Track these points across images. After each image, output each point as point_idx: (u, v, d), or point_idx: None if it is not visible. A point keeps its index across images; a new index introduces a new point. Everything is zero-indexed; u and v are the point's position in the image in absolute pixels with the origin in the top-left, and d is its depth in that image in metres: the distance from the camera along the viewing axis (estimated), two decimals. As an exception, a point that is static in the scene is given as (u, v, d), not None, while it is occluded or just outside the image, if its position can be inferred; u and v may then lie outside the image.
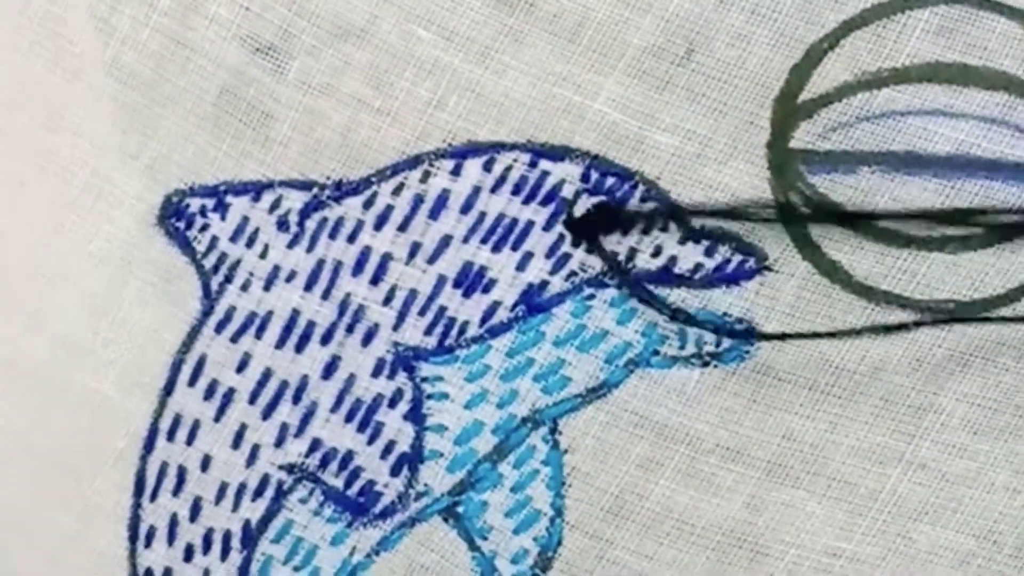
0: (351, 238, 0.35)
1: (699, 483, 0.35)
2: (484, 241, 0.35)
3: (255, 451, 0.36)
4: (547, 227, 0.35)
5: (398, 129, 0.35)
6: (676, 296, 0.35)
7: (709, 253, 0.34)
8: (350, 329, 0.35)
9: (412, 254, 0.35)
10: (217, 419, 0.36)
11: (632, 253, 0.35)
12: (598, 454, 0.35)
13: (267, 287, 0.36)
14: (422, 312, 0.35)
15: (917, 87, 0.34)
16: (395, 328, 0.35)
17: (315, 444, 0.36)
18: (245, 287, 0.36)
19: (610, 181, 0.34)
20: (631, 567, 0.36)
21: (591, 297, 0.35)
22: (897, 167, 0.34)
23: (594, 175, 0.34)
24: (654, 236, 0.34)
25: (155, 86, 0.36)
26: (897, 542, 0.36)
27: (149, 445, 0.37)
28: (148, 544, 0.37)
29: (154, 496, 0.37)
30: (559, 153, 0.34)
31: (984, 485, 0.35)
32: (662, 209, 0.34)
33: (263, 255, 0.36)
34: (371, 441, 0.36)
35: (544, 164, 0.35)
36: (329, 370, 0.35)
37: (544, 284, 0.35)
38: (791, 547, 0.36)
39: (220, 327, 0.36)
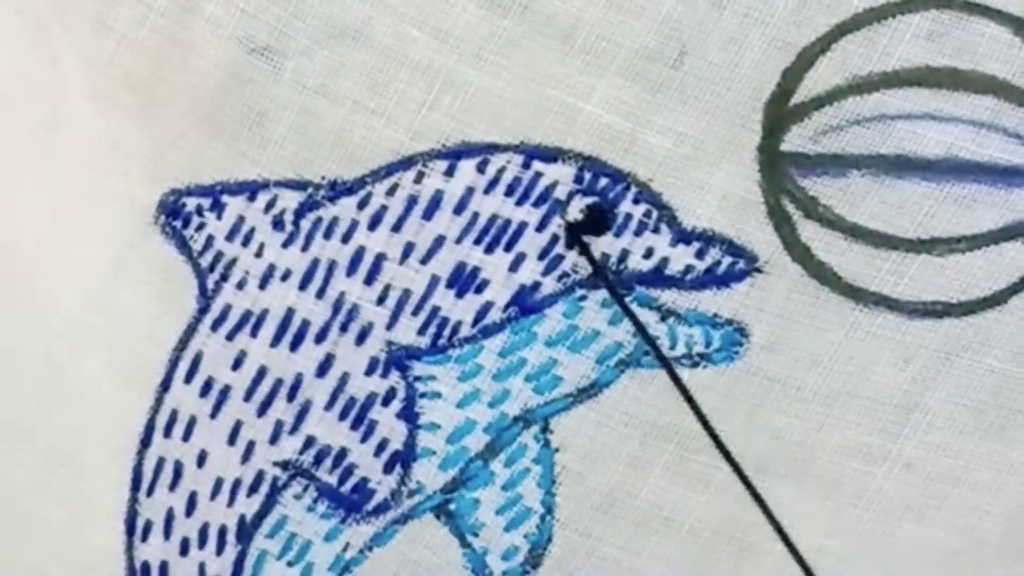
0: (345, 238, 0.34)
1: (688, 481, 0.35)
2: (477, 242, 0.34)
3: (250, 448, 0.35)
4: (540, 228, 0.34)
5: (392, 130, 0.34)
6: (667, 297, 0.34)
7: (700, 255, 0.33)
8: (344, 328, 0.34)
9: (406, 254, 0.34)
10: (213, 416, 0.35)
11: (624, 255, 0.33)
12: (589, 453, 0.34)
13: (262, 286, 0.35)
14: (415, 312, 0.34)
15: (907, 91, 0.33)
16: (389, 328, 0.34)
17: (309, 441, 0.35)
18: (241, 286, 0.35)
19: (603, 182, 0.33)
20: (620, 563, 0.35)
21: (583, 298, 0.34)
22: (887, 170, 0.33)
23: (587, 176, 0.33)
24: (646, 238, 0.33)
25: (152, 86, 0.35)
26: (882, 540, 0.35)
27: (146, 441, 0.36)
28: (144, 538, 0.36)
29: (151, 491, 0.36)
30: (552, 154, 0.33)
31: (969, 484, 0.35)
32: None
33: (259, 254, 0.35)
34: (364, 439, 0.35)
35: (537, 165, 0.33)
36: (323, 368, 0.34)
37: (537, 285, 0.34)
38: (778, 544, 0.35)
39: (216, 325, 0.35)
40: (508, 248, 0.34)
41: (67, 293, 0.36)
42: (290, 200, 0.34)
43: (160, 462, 0.36)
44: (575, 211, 0.33)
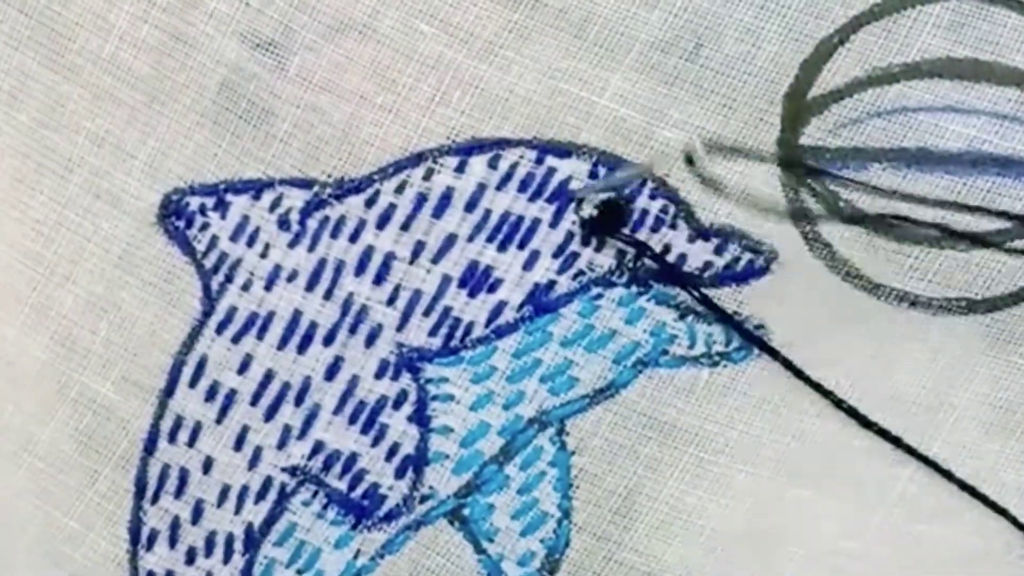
0: (353, 237, 0.33)
1: (708, 484, 0.33)
2: (490, 240, 0.33)
3: (257, 453, 0.34)
4: (554, 225, 0.32)
5: (401, 126, 0.33)
6: (685, 295, 0.32)
7: (719, 251, 0.32)
8: (353, 330, 0.33)
9: (416, 253, 0.33)
10: (219, 421, 0.34)
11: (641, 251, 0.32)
12: (606, 455, 0.33)
13: (268, 287, 0.34)
14: (427, 312, 0.33)
15: (928, 83, 0.32)
16: (399, 329, 0.33)
17: (318, 446, 0.34)
18: (246, 287, 0.34)
19: None
20: (639, 568, 0.34)
21: (599, 296, 0.33)
22: (908, 163, 0.32)
23: (602, 171, 0.32)
24: (663, 234, 0.32)
25: (154, 83, 0.34)
26: (906, 542, 0.34)
27: (150, 447, 0.35)
28: (149, 547, 0.35)
29: (155, 499, 0.35)
30: (566, 149, 0.32)
31: (994, 484, 0.34)
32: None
33: (264, 255, 0.34)
34: (375, 443, 0.33)
35: (551, 160, 0.32)
36: (332, 371, 0.33)
37: (551, 284, 0.33)
38: (800, 547, 0.34)
39: (221, 328, 0.34)
40: (522, 246, 0.32)
41: (68, 296, 0.35)
42: (296, 199, 0.33)
43: (165, 469, 0.35)
44: (590, 207, 0.32)
